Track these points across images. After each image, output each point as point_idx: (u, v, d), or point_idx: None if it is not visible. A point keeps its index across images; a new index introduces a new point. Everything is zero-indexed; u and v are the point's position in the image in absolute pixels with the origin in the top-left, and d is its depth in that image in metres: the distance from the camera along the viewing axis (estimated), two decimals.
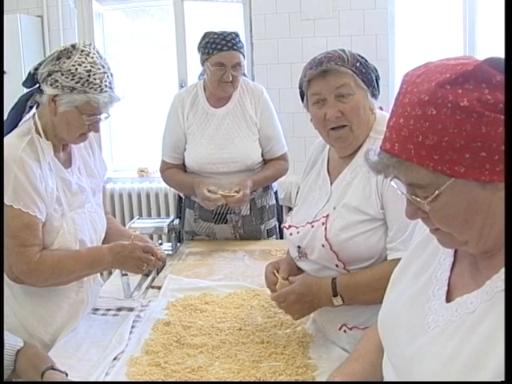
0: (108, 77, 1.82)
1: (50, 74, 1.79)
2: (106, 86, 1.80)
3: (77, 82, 1.77)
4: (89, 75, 1.77)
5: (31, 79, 1.86)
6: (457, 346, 0.94)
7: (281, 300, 1.74)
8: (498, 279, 0.93)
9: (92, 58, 1.80)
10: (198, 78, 2.98)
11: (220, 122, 2.82)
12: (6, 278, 1.81)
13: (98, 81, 1.78)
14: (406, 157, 0.93)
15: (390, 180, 1.02)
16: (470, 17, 4.19)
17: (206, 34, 2.75)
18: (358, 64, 1.67)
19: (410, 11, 4.36)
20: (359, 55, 1.71)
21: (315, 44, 4.19)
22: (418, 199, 0.96)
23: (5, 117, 1.89)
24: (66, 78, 1.77)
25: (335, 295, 1.67)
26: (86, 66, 1.78)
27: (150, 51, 4.97)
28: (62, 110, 1.80)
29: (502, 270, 0.93)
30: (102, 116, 1.87)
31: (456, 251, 1.09)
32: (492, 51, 1.17)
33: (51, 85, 1.79)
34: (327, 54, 1.68)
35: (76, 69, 1.77)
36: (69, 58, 1.79)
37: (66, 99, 1.79)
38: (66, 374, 1.58)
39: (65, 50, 1.80)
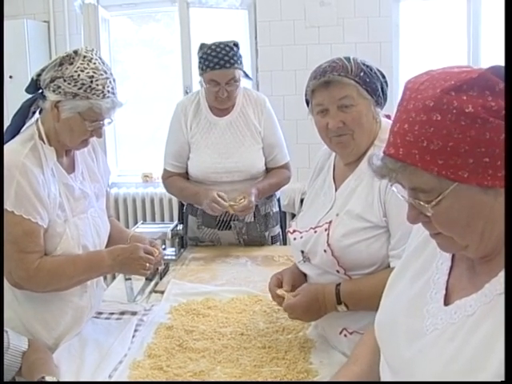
0: (110, 82, 1.82)
1: (52, 80, 1.79)
2: (108, 91, 1.80)
3: (79, 88, 1.77)
4: (91, 81, 1.77)
5: (34, 85, 1.86)
6: (457, 348, 0.96)
7: (289, 312, 1.77)
8: (497, 282, 0.95)
9: (94, 63, 1.80)
10: (198, 82, 2.90)
11: (223, 131, 2.82)
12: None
13: (100, 87, 1.78)
14: (411, 161, 0.94)
15: (391, 185, 1.03)
16: (474, 24, 4.20)
17: (201, 46, 2.72)
18: (361, 74, 1.68)
19: (414, 19, 4.37)
20: (364, 64, 1.71)
21: (320, 51, 4.20)
22: (421, 203, 0.97)
23: (8, 122, 1.90)
24: (69, 84, 1.77)
25: (339, 303, 1.68)
26: (88, 72, 1.77)
27: (155, 57, 4.99)
28: (65, 116, 1.80)
29: (501, 274, 0.95)
30: (105, 121, 1.87)
31: (454, 256, 1.10)
32: (496, 58, 1.19)
33: (54, 91, 1.79)
34: (332, 62, 1.69)
35: (78, 75, 1.76)
36: (71, 63, 1.78)
37: (69, 105, 1.79)
38: None
39: (67, 56, 1.80)
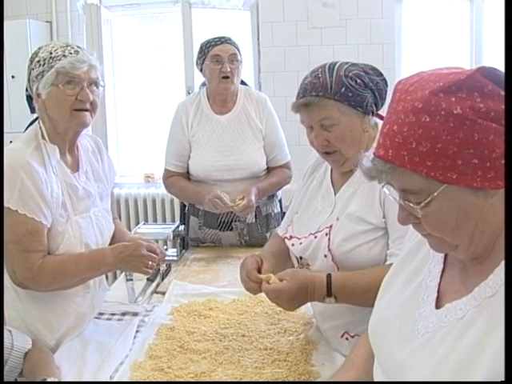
0: (72, 47, 1.84)
1: (29, 81, 1.87)
2: (70, 53, 1.82)
3: (43, 65, 1.81)
4: (50, 52, 1.81)
5: (31, 102, 1.92)
6: (446, 351, 0.96)
7: (271, 296, 1.66)
8: (486, 286, 0.95)
9: (52, 46, 1.84)
10: (199, 87, 3.00)
11: (224, 128, 2.84)
12: (12, 282, 1.82)
13: (60, 52, 1.81)
14: (400, 163, 0.94)
15: (383, 186, 1.03)
16: (477, 26, 4.21)
17: (202, 43, 2.85)
18: (343, 90, 1.62)
19: (417, 20, 4.38)
20: (348, 76, 1.63)
21: (322, 52, 4.20)
22: (411, 205, 0.97)
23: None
24: (36, 69, 1.82)
25: (329, 295, 1.62)
26: (46, 50, 1.83)
27: (158, 57, 4.98)
28: (45, 95, 1.82)
29: (491, 277, 0.95)
30: (85, 83, 1.83)
31: (446, 259, 1.10)
32: (499, 60, 1.19)
33: (31, 86, 1.85)
34: (314, 77, 1.65)
35: (39, 57, 1.82)
36: (36, 56, 1.84)
37: (42, 84, 1.82)
38: None
39: (31, 56, 1.86)
